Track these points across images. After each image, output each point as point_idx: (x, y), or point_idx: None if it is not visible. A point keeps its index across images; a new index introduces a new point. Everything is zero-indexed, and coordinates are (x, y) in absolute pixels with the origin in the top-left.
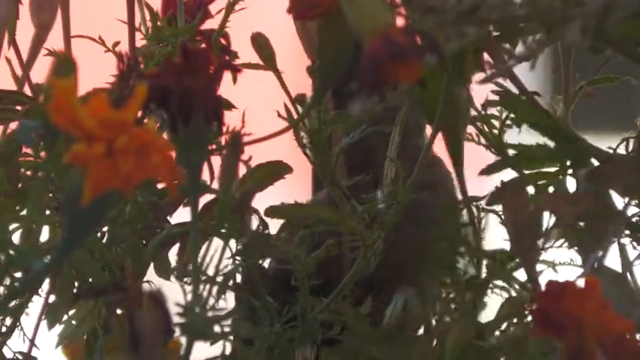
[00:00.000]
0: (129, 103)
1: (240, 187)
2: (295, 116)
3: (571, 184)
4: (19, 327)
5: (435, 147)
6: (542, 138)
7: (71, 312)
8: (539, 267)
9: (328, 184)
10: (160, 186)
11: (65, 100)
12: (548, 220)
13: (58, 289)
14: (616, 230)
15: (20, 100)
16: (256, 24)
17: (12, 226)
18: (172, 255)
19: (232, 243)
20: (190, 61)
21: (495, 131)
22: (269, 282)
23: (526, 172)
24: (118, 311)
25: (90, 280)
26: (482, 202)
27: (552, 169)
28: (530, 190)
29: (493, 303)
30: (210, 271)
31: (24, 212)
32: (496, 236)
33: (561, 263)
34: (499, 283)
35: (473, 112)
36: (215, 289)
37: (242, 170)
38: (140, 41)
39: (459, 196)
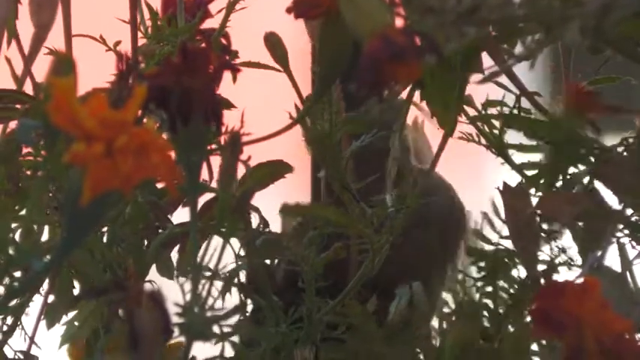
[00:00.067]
0: (128, 103)
1: (240, 186)
2: (305, 117)
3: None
4: (20, 326)
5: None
6: None
7: (73, 312)
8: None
9: (338, 187)
10: (159, 186)
11: (65, 99)
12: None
13: (58, 289)
14: (615, 230)
15: (20, 99)
16: (256, 23)
17: (12, 226)
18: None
19: (233, 242)
20: (190, 61)
21: (495, 131)
22: (275, 282)
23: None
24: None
25: (91, 280)
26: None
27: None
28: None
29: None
30: (211, 271)
31: (24, 212)
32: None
33: (561, 263)
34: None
35: (473, 112)
36: (214, 288)
37: (241, 170)
38: (140, 40)
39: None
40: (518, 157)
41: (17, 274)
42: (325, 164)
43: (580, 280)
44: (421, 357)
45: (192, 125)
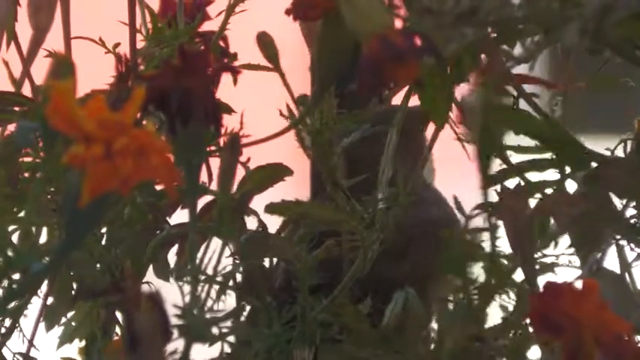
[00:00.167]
0: (127, 105)
1: (240, 188)
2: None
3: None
4: (19, 328)
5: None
6: None
7: (70, 314)
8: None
9: (329, 184)
10: (158, 187)
11: (64, 101)
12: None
13: (57, 291)
14: (614, 232)
15: (19, 102)
16: (256, 25)
17: (10, 228)
18: (171, 256)
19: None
20: (189, 63)
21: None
22: (273, 283)
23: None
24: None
25: (88, 281)
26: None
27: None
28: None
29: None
30: (209, 273)
31: (22, 214)
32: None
33: (560, 265)
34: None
35: None
36: (213, 290)
37: (240, 171)
38: (139, 42)
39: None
40: (518, 158)
41: (16, 276)
42: (317, 161)
43: (579, 282)
44: None
45: (192, 127)
